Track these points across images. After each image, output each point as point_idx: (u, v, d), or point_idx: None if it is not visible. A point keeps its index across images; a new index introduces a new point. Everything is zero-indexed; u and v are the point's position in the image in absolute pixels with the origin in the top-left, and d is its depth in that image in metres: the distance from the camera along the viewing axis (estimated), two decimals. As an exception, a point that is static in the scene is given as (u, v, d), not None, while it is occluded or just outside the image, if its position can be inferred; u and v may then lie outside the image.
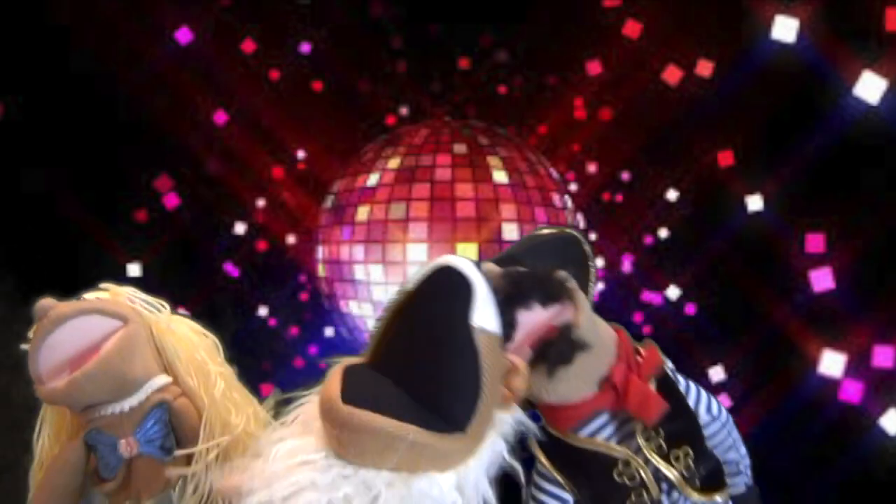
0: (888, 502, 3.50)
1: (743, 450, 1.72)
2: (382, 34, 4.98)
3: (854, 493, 3.50)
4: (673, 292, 4.89)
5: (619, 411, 1.47)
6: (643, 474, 1.44)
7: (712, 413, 1.62)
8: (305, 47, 4.92)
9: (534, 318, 1.40)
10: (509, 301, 1.38)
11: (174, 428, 1.51)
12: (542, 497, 1.51)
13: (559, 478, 1.50)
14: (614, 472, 1.45)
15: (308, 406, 1.28)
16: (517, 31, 4.92)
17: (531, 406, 1.53)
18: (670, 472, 1.44)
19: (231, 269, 5.01)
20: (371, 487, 1.13)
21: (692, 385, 1.62)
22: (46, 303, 1.48)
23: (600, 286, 5.42)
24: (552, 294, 1.41)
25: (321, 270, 4.48)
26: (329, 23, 4.86)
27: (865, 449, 3.57)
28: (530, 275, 1.43)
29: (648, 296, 5.16)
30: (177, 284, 4.67)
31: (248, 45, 4.75)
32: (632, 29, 4.49)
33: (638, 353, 1.56)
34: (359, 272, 4.09)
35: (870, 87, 3.48)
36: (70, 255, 4.04)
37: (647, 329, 5.23)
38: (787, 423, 3.70)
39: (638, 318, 5.26)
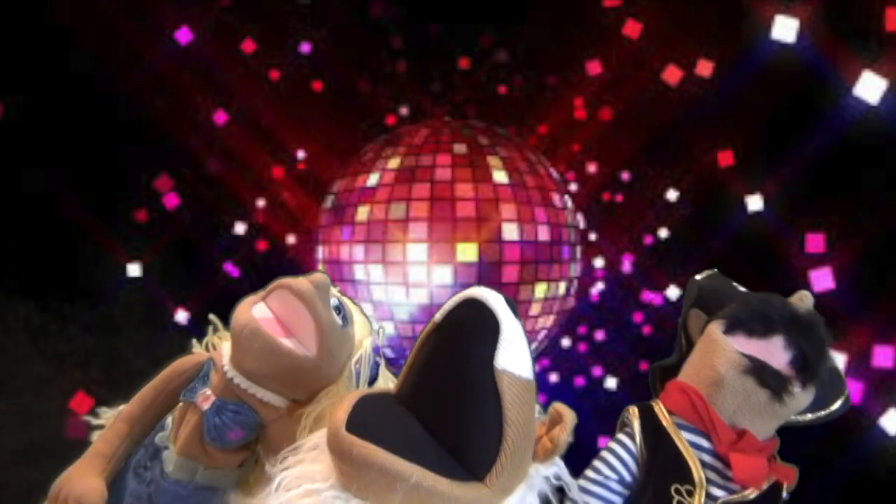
0: (888, 502, 3.50)
1: None
2: (382, 34, 4.99)
3: (854, 493, 3.50)
4: (673, 292, 4.89)
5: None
6: None
7: None
8: (305, 47, 4.92)
9: (778, 347, 1.40)
10: (771, 322, 1.38)
11: (261, 440, 1.53)
12: (615, 444, 1.45)
13: (641, 443, 1.44)
14: (675, 486, 1.40)
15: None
16: (517, 31, 4.93)
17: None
18: None
19: (231, 269, 5.01)
20: None
21: None
22: (325, 281, 1.56)
23: (600, 286, 5.44)
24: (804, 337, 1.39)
25: (321, 270, 4.47)
26: (329, 23, 4.87)
27: (865, 449, 3.57)
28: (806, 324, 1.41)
29: (648, 296, 5.17)
30: (177, 284, 4.69)
31: (248, 45, 4.76)
32: (632, 29, 4.50)
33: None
34: (359, 272, 4.09)
35: (870, 87, 3.49)
36: (70, 255, 4.04)
37: (647, 329, 5.24)
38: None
39: (638, 318, 5.26)
